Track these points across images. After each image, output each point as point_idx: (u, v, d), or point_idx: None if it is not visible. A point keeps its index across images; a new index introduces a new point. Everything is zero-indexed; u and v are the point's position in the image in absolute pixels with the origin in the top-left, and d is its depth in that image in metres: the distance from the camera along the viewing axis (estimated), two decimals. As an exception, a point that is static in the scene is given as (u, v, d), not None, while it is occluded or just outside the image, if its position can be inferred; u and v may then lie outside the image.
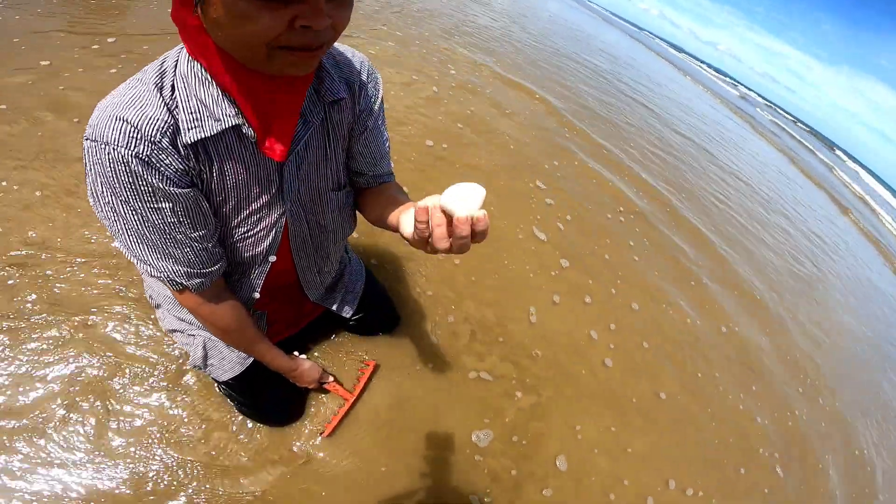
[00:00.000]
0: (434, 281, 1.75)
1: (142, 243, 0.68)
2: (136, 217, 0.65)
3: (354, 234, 1.64)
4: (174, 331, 1.08)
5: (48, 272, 1.30)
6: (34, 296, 1.24)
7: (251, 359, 1.06)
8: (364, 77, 0.81)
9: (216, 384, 1.15)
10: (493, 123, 3.35)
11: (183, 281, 0.74)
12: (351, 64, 0.79)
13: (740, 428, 1.99)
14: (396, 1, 5.39)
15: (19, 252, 1.32)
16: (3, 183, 1.48)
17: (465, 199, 0.53)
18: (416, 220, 0.55)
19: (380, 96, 0.86)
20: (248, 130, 0.67)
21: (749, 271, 3.30)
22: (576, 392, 1.69)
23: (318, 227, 0.91)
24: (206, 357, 1.04)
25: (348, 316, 1.24)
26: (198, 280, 0.75)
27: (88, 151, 0.60)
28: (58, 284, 1.29)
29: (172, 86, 0.62)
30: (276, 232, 0.82)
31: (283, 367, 1.07)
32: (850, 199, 11.05)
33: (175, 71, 0.63)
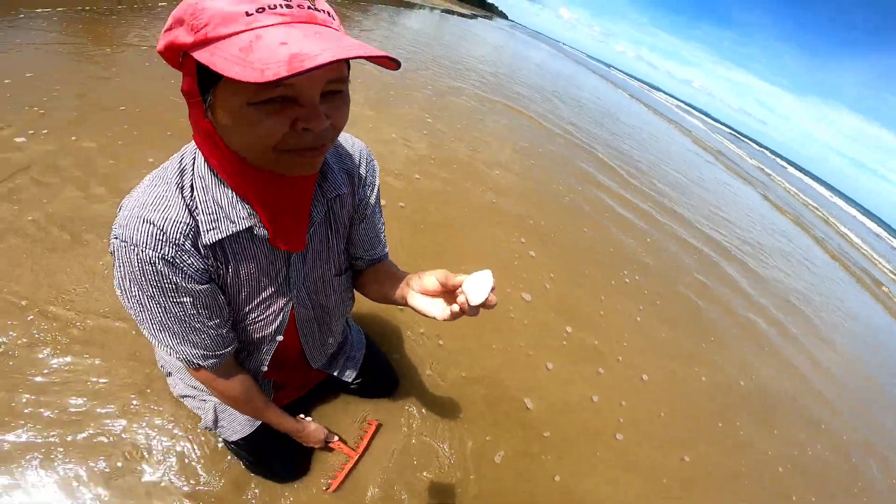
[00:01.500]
0: (435, 347, 1.88)
1: (164, 331, 0.76)
2: (159, 309, 0.73)
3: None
4: (185, 396, 1.17)
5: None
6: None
7: (259, 423, 1.14)
8: (363, 170, 0.90)
9: (226, 444, 1.23)
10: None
11: (200, 362, 0.83)
12: (351, 156, 0.88)
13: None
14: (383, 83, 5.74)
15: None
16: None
17: (479, 288, 0.67)
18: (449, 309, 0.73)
19: (377, 186, 0.95)
20: (259, 231, 0.75)
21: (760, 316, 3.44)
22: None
23: (321, 309, 1.01)
24: (216, 420, 1.13)
25: (350, 380, 1.35)
26: (213, 360, 0.84)
27: (118, 250, 0.67)
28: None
29: (192, 185, 0.70)
30: (283, 316, 0.91)
31: (290, 430, 1.16)
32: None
33: (193, 169, 0.70)
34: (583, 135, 6.98)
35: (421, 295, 0.79)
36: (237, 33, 0.51)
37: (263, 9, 0.51)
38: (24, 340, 1.32)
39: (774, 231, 7.56)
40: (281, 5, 0.52)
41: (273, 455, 1.22)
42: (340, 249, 0.96)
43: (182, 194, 0.69)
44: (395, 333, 1.84)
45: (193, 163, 0.70)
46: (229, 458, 1.25)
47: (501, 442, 1.62)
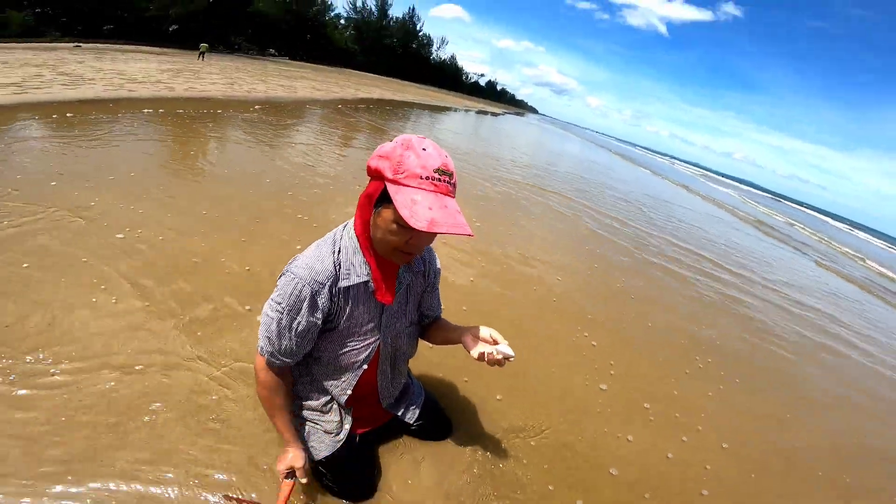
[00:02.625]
0: (489, 399, 2.08)
1: (269, 328, 1.15)
2: (279, 318, 1.13)
3: (423, 367, 2.10)
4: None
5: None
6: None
7: (340, 443, 1.38)
8: (434, 262, 1.42)
9: (314, 465, 1.41)
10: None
11: (269, 356, 1.19)
12: (430, 251, 1.41)
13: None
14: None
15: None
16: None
17: (508, 349, 1.18)
18: (486, 357, 1.19)
19: (439, 272, 1.46)
20: (371, 285, 1.19)
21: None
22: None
23: (396, 349, 1.38)
24: (307, 439, 1.37)
25: (411, 422, 1.60)
26: (277, 361, 1.20)
27: (284, 277, 1.12)
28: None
29: (340, 249, 1.17)
30: (371, 349, 1.28)
31: (284, 440, 1.31)
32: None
33: (341, 241, 1.18)
34: (626, 223, 7.26)
35: (472, 338, 1.26)
36: (412, 187, 0.97)
37: (430, 177, 0.97)
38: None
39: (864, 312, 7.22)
40: (436, 179, 0.98)
41: (350, 476, 1.43)
42: (415, 309, 1.40)
43: (333, 253, 1.15)
44: (454, 389, 2.09)
45: (341, 238, 1.18)
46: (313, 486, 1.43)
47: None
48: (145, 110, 6.08)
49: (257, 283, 2.41)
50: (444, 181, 0.99)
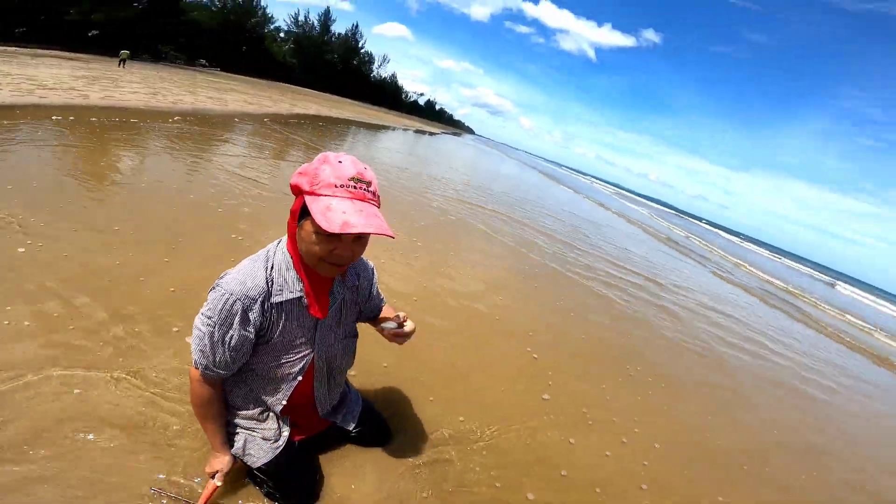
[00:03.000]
0: (431, 406, 2.21)
1: (201, 342, 1.17)
2: (210, 332, 1.15)
3: (361, 376, 2.22)
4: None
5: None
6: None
7: (279, 449, 1.42)
8: (368, 274, 1.50)
9: (249, 473, 1.47)
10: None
11: (203, 369, 1.21)
12: (362, 265, 1.48)
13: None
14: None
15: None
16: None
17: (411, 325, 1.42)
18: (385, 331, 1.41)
19: (375, 282, 1.54)
20: (305, 301, 1.24)
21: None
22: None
23: (331, 361, 1.42)
24: (245, 448, 1.41)
25: (350, 429, 1.66)
26: (211, 373, 1.23)
27: (214, 292, 1.15)
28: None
29: (273, 265, 1.19)
30: (305, 361, 1.33)
31: (212, 448, 1.38)
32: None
33: (275, 256, 1.21)
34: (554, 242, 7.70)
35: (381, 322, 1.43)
36: (326, 196, 1.03)
37: (344, 185, 1.03)
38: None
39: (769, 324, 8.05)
40: (350, 186, 1.04)
41: (291, 482, 1.45)
42: (352, 322, 1.48)
43: (265, 269, 1.19)
44: (391, 397, 2.19)
45: (276, 252, 1.22)
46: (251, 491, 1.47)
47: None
48: (54, 117, 5.76)
49: (180, 304, 2.35)
50: (361, 188, 1.06)
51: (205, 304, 1.17)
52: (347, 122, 20.69)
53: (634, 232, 14.51)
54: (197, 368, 1.22)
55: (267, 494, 1.45)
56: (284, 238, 1.24)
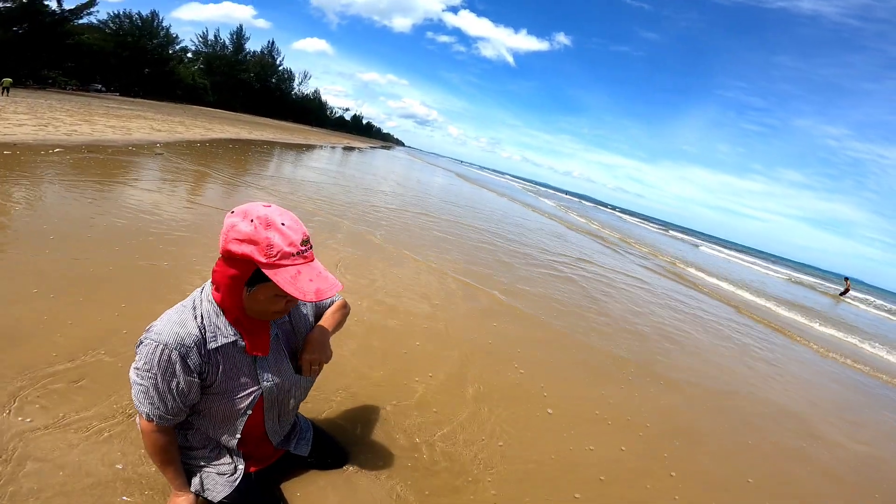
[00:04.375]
0: (376, 427, 2.23)
1: (147, 395, 1.19)
2: (153, 385, 1.18)
3: (317, 399, 2.27)
4: None
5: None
6: None
7: (237, 482, 1.44)
8: (302, 308, 1.55)
9: None
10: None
11: (156, 420, 1.24)
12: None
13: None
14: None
15: None
16: None
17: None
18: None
19: (311, 314, 1.58)
20: (241, 343, 1.28)
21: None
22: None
23: (280, 393, 1.45)
24: (202, 484, 1.43)
25: (305, 454, 1.70)
26: (165, 420, 1.25)
27: (148, 345, 1.15)
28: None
29: (202, 314, 1.22)
30: (253, 397, 1.35)
31: (173, 486, 1.40)
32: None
33: (201, 306, 1.24)
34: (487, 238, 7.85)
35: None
36: (288, 265, 1.11)
37: (299, 252, 1.12)
38: None
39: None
40: (302, 252, 1.13)
41: None
42: (291, 352, 1.48)
43: (195, 318, 1.21)
44: (340, 422, 2.20)
45: (202, 302, 1.25)
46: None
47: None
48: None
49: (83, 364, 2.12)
50: (309, 249, 1.17)
51: (137, 358, 1.18)
52: (270, 144, 20.02)
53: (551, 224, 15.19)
54: (150, 420, 1.24)
55: None
56: (206, 287, 1.27)
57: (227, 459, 1.44)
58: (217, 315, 1.23)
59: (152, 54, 49.36)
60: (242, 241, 1.09)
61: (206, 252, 3.89)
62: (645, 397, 3.32)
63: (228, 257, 1.14)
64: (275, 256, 1.10)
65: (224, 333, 1.24)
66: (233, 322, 1.25)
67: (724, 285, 12.57)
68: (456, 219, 10.38)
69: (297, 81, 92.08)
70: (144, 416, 1.23)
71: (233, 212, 1.14)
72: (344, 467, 1.88)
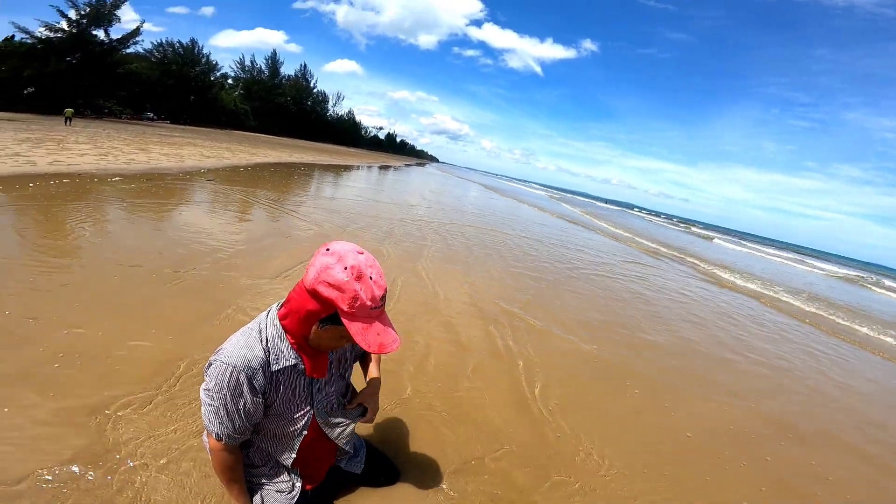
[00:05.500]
0: (428, 445, 2.26)
1: (217, 415, 1.28)
2: (223, 404, 1.26)
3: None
4: None
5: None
6: None
7: (294, 500, 1.51)
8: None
9: None
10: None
11: (225, 439, 1.32)
12: None
13: None
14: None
15: None
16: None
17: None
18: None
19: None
20: (301, 366, 1.36)
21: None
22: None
23: (330, 415, 1.54)
24: (263, 501, 1.51)
25: (359, 472, 1.78)
26: (233, 439, 1.34)
27: (217, 367, 1.24)
28: None
29: (266, 338, 1.31)
30: (307, 418, 1.45)
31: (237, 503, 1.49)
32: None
33: (266, 329, 1.32)
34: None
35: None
36: (363, 319, 1.20)
37: (376, 307, 1.21)
38: None
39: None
40: (379, 307, 1.23)
41: None
42: (342, 378, 1.61)
43: (261, 341, 1.31)
44: (394, 442, 2.25)
45: (267, 325, 1.34)
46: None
47: None
48: None
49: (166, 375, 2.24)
50: (383, 304, 1.25)
51: (208, 379, 1.27)
52: (310, 166, 20.69)
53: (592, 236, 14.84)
54: (219, 440, 1.32)
55: None
56: (272, 310, 1.36)
57: (285, 478, 1.52)
58: (281, 339, 1.32)
59: (196, 81, 51.93)
60: (332, 285, 1.17)
61: (257, 276, 4.04)
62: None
63: (314, 294, 1.21)
64: (355, 308, 1.18)
65: (287, 356, 1.32)
66: (295, 346, 1.33)
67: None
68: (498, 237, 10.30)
69: (331, 103, 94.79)
70: (214, 435, 1.31)
71: (328, 249, 1.21)
72: (395, 484, 1.93)
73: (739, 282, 11.35)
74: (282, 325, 1.32)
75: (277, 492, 1.51)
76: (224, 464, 1.38)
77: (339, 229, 7.18)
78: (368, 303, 1.18)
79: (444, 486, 2.00)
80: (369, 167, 32.82)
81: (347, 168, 25.91)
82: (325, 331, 1.26)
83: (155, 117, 45.40)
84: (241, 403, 1.27)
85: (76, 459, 1.71)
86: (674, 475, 2.45)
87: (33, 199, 5.47)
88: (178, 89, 48.30)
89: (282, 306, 1.34)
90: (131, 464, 1.74)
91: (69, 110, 20.59)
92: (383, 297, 1.24)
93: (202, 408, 1.30)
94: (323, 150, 46.72)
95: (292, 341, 1.33)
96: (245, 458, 1.49)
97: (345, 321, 1.19)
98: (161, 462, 1.78)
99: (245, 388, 1.25)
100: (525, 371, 3.30)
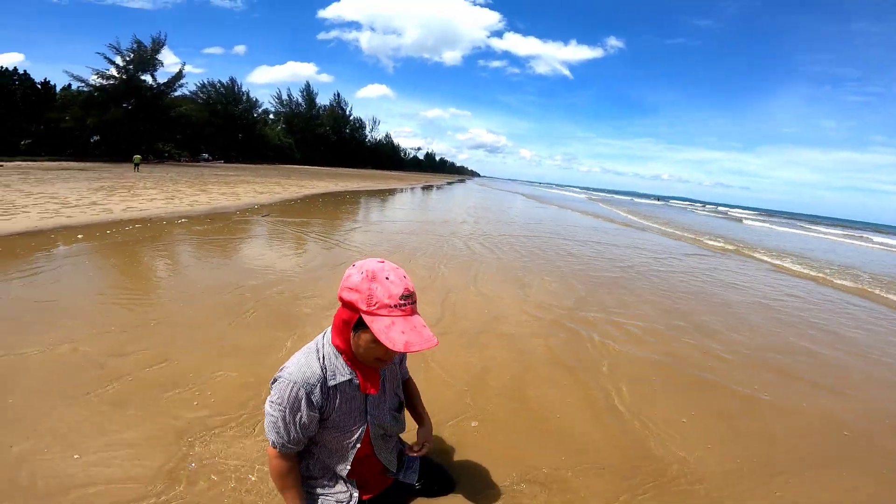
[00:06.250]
0: (484, 456, 2.30)
1: (275, 425, 1.39)
2: (282, 416, 1.38)
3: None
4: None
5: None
6: None
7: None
8: (400, 357, 1.78)
9: None
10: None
11: (280, 448, 1.43)
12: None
13: None
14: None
15: None
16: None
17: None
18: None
19: (404, 355, 1.80)
20: (355, 381, 1.47)
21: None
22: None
23: (383, 429, 1.64)
24: None
25: (413, 482, 1.85)
26: (288, 448, 1.44)
27: (282, 382, 1.37)
28: None
29: (323, 356, 1.44)
30: (360, 432, 1.54)
31: None
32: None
33: (323, 349, 1.46)
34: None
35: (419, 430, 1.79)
36: (385, 316, 1.27)
37: (398, 305, 1.27)
38: None
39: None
40: (402, 305, 1.28)
41: None
42: (394, 393, 1.70)
43: (318, 359, 1.44)
44: (449, 451, 2.33)
45: (324, 346, 1.47)
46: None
47: None
48: (79, 236, 6.13)
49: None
50: (409, 303, 1.30)
51: (272, 393, 1.40)
52: (356, 194, 21.35)
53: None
54: (275, 447, 1.44)
55: None
56: (328, 332, 1.49)
57: (342, 488, 1.60)
58: (336, 356, 1.44)
59: (241, 119, 54.90)
60: (352, 289, 1.29)
61: (319, 302, 4.24)
62: None
63: (342, 303, 1.35)
64: (374, 306, 1.26)
65: (342, 372, 1.44)
66: (349, 363, 1.44)
67: None
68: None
69: (368, 129, 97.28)
70: (271, 443, 1.44)
71: (353, 265, 1.35)
72: (450, 495, 1.98)
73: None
74: (335, 345, 1.45)
75: (337, 502, 1.60)
76: (278, 470, 1.49)
77: (389, 254, 7.38)
78: (386, 300, 1.26)
79: (503, 496, 2.03)
80: (412, 189, 33.35)
81: (391, 192, 26.49)
82: (359, 337, 1.34)
83: (210, 157, 48.14)
84: (298, 417, 1.38)
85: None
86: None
87: (114, 244, 6.05)
88: (225, 128, 51.01)
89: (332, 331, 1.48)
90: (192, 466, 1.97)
91: (137, 157, 22.23)
92: (405, 297, 1.29)
93: (265, 418, 1.43)
94: (365, 175, 48.09)
95: (346, 358, 1.44)
96: (305, 470, 1.60)
97: (366, 320, 1.27)
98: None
99: (303, 402, 1.37)
100: (592, 378, 3.28)
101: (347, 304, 1.33)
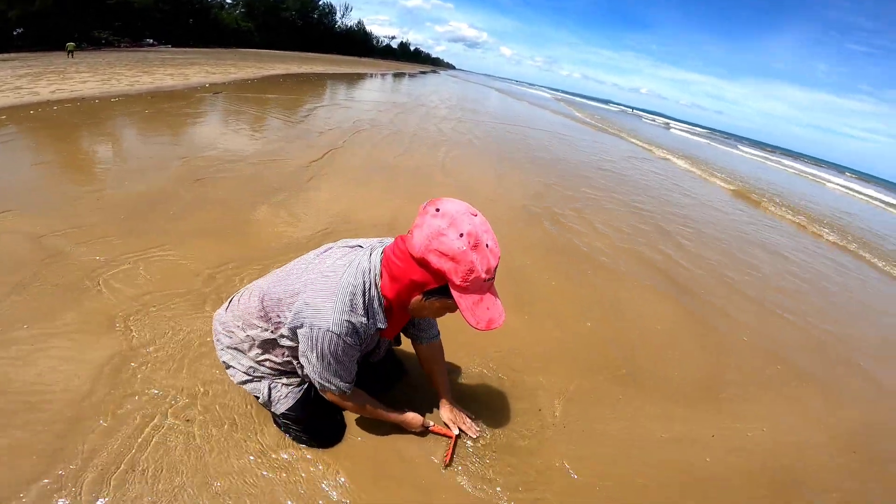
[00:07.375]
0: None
1: (333, 375, 1.29)
2: (337, 362, 1.25)
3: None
4: (244, 382, 1.47)
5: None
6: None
7: (302, 391, 1.49)
8: None
9: (276, 421, 1.57)
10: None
11: (346, 390, 1.34)
12: None
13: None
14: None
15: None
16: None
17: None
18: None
19: None
20: (383, 327, 1.28)
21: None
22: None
23: (373, 356, 1.64)
24: (269, 395, 1.45)
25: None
26: (350, 386, 1.35)
27: (321, 334, 1.17)
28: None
29: (368, 300, 1.22)
30: (381, 349, 1.62)
31: (397, 421, 1.58)
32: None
33: (369, 292, 1.22)
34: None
35: (443, 404, 1.72)
36: (474, 293, 1.10)
37: (489, 279, 1.10)
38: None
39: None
40: (492, 279, 1.12)
41: (317, 421, 1.54)
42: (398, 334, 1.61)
43: (364, 304, 1.22)
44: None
45: (371, 287, 1.23)
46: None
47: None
48: (2, 117, 5.38)
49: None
50: (492, 279, 1.14)
51: (306, 343, 1.22)
52: (321, 76, 19.82)
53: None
54: (344, 393, 1.35)
55: (295, 438, 1.54)
56: (374, 269, 1.23)
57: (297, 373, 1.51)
58: (379, 303, 1.24)
59: (192, 4, 49.59)
60: (445, 255, 1.06)
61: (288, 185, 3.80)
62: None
63: (422, 264, 1.10)
64: (469, 282, 1.08)
65: (381, 321, 1.26)
66: (387, 312, 1.27)
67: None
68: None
69: (338, 15, 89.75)
70: (337, 391, 1.33)
71: (438, 210, 1.09)
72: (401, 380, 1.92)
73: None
74: (384, 293, 1.23)
75: (285, 385, 1.49)
76: (359, 406, 1.45)
77: (369, 125, 6.82)
78: (483, 275, 1.08)
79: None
80: (383, 75, 31.39)
81: (360, 76, 24.78)
82: (430, 303, 1.18)
83: (156, 43, 44.07)
84: (346, 359, 1.27)
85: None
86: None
87: (44, 125, 5.37)
88: (175, 14, 46.26)
89: (381, 271, 1.23)
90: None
91: (70, 44, 20.21)
92: (496, 267, 1.12)
93: (311, 374, 1.29)
94: (333, 60, 44.76)
95: (387, 304, 1.25)
96: (280, 365, 1.43)
97: (455, 295, 1.10)
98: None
99: (349, 347, 1.23)
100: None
101: (432, 269, 1.09)
